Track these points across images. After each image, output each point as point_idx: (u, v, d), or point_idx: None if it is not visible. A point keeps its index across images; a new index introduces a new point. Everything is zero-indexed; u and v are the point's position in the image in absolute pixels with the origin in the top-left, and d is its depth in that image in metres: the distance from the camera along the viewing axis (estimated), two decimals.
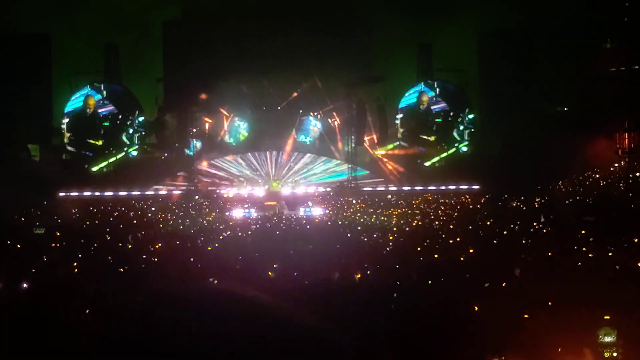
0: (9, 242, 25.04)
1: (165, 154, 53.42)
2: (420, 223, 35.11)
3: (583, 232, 26.39)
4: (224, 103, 52.47)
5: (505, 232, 28.49)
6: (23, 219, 34.86)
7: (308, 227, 34.95)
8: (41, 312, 15.18)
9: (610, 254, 20.98)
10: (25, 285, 15.98)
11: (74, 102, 51.01)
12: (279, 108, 53.93)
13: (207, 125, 56.02)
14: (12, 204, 33.89)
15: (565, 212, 31.86)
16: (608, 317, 11.80)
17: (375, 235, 28.33)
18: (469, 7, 51.09)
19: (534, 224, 30.48)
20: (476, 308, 14.03)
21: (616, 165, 45.22)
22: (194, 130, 53.17)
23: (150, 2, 51.86)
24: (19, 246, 23.78)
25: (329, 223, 37.10)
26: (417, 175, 51.43)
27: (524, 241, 25.20)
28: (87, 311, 14.95)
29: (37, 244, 25.49)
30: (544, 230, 27.84)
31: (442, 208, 41.84)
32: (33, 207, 38.13)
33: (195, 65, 51.81)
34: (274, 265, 18.70)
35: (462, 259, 20.62)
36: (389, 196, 49.04)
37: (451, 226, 32.37)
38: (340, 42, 51.66)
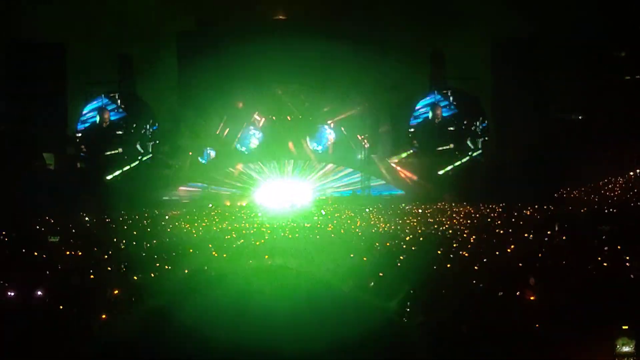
0: (24, 249, 25.21)
1: (179, 163, 53.68)
2: (431, 231, 34.96)
3: (598, 241, 26.19)
4: (238, 112, 52.54)
5: (518, 241, 28.33)
6: (38, 227, 35.01)
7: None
8: (56, 318, 15.28)
9: (627, 263, 20.83)
10: (39, 293, 16.06)
11: (89, 111, 51.13)
12: (288, 118, 54.04)
13: (221, 134, 56.28)
14: (27, 212, 34.08)
15: (580, 220, 31.62)
16: (626, 327, 11.55)
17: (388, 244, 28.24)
18: (482, 16, 51.01)
19: (548, 232, 30.26)
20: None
21: (631, 173, 44.88)
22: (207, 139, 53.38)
23: (165, 12, 52.17)
24: (35, 254, 23.91)
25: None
26: (430, 184, 51.23)
27: (538, 249, 25.01)
28: (103, 317, 15.05)
29: (52, 251, 25.59)
30: (558, 239, 27.62)
31: (456, 216, 41.64)
32: (48, 215, 38.31)
33: (209, 75, 52.03)
34: None
35: (475, 267, 20.54)
36: (403, 205, 48.85)
37: (465, 234, 32.19)
38: (353, 51, 51.69)
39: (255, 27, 54.02)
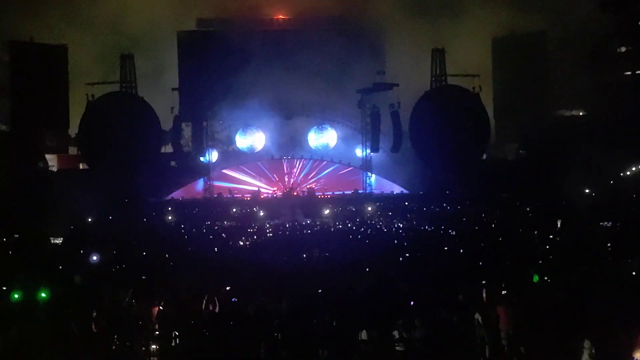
0: (26, 252, 25.25)
1: (178, 162, 53.90)
2: (432, 229, 34.94)
3: (601, 239, 26.09)
4: (240, 112, 52.60)
5: (520, 238, 28.29)
6: (41, 228, 35.02)
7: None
8: (58, 320, 15.34)
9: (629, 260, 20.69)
10: (43, 294, 16.09)
11: (90, 112, 51.09)
12: (290, 118, 54.28)
13: (223, 134, 56.56)
14: (30, 214, 34.10)
15: (582, 218, 31.55)
16: None
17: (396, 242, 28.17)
18: (483, 12, 51.05)
19: (550, 230, 30.21)
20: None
21: (633, 169, 44.85)
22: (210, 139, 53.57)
23: (166, 12, 52.25)
24: (37, 256, 23.95)
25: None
26: (433, 181, 51.29)
27: (540, 247, 24.98)
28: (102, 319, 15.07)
29: (55, 253, 25.63)
30: (558, 238, 27.53)
31: (456, 214, 41.64)
32: (50, 216, 38.33)
33: (211, 75, 52.12)
34: None
35: (479, 266, 20.51)
36: (406, 203, 48.86)
37: (469, 231, 32.16)
38: (354, 49, 51.73)
39: (256, 27, 54.14)
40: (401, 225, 37.91)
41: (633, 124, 43.99)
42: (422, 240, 28.89)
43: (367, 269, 19.08)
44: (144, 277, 18.39)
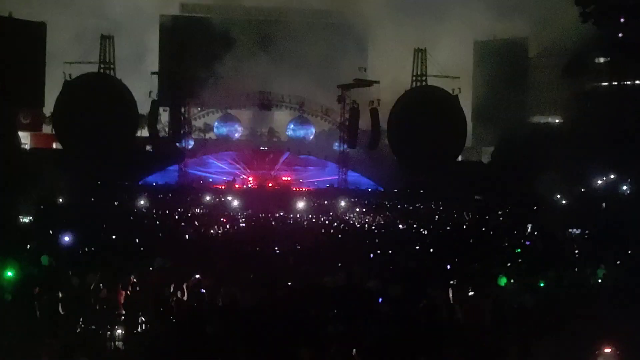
0: None
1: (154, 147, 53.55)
2: (404, 227, 35.08)
3: (569, 245, 26.37)
4: (219, 99, 52.40)
5: (490, 240, 28.48)
6: (10, 206, 34.58)
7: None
8: (24, 300, 15.18)
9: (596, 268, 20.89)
10: (9, 273, 15.89)
11: (67, 92, 50.50)
12: (269, 109, 54.06)
13: (200, 121, 56.28)
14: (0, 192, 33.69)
15: (552, 223, 31.88)
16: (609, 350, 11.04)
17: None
18: (466, 14, 51.38)
19: (520, 234, 30.48)
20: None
21: (604, 179, 45.42)
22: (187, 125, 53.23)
23: None
24: (4, 234, 23.64)
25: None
26: (407, 180, 51.52)
27: (509, 250, 25.18)
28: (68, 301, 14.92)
29: (23, 232, 25.34)
30: (528, 242, 27.77)
31: (429, 213, 41.82)
32: (21, 194, 37.87)
33: (192, 61, 51.83)
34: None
35: (448, 267, 20.60)
36: (380, 200, 48.99)
37: (440, 231, 32.32)
38: (338, 43, 51.79)
39: (239, 15, 53.95)
40: (374, 222, 38.01)
41: (608, 134, 44.55)
42: (393, 238, 28.97)
43: (338, 264, 19.08)
44: (112, 261, 18.24)
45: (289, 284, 16.46)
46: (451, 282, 16.87)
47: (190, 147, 54.22)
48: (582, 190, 43.32)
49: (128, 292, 15.64)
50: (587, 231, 30.11)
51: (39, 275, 16.62)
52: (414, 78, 54.02)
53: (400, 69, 53.10)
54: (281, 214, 40.00)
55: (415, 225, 34.82)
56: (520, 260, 22.04)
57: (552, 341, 11.31)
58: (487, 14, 52.20)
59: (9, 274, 15.82)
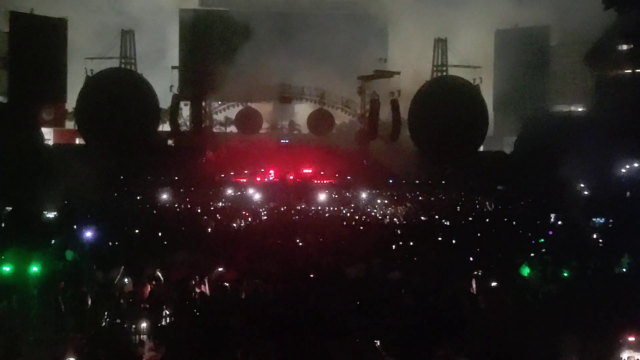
0: (19, 225, 25.20)
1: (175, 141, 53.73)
2: (426, 218, 34.93)
3: (593, 235, 26.12)
4: (239, 93, 52.47)
5: (513, 231, 28.29)
6: (34, 202, 34.93)
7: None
8: (49, 295, 15.36)
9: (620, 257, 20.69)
10: (35, 268, 16.09)
11: (88, 87, 50.88)
12: (289, 102, 53.94)
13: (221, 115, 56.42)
14: (24, 188, 34.02)
15: (575, 213, 31.57)
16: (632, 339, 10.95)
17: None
18: (486, 3, 50.92)
19: (544, 224, 30.23)
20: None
21: (628, 167, 44.88)
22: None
23: None
24: (29, 230, 23.90)
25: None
26: (429, 171, 51.29)
27: (532, 241, 25.01)
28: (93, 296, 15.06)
29: (47, 227, 25.58)
30: (550, 232, 27.53)
31: (451, 205, 41.59)
32: (44, 190, 38.19)
33: (212, 54, 51.94)
34: None
35: (470, 258, 20.51)
36: (402, 191, 48.79)
37: (462, 222, 32.14)
38: (356, 36, 51.58)
39: (259, 8, 53.90)
40: (396, 214, 37.90)
41: (631, 122, 44.00)
42: (416, 229, 28.89)
43: (360, 256, 19.09)
44: (136, 256, 18.38)
45: (311, 276, 16.50)
46: (474, 272, 16.80)
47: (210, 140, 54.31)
48: (605, 179, 42.86)
49: (152, 286, 15.75)
50: (611, 220, 29.81)
51: (64, 270, 16.81)
52: (435, 68, 53.72)
53: (421, 59, 52.83)
54: (303, 206, 39.99)
55: (437, 217, 34.67)
56: (543, 250, 21.91)
57: (577, 331, 11.23)
58: (508, 3, 51.69)
59: (35, 269, 16.03)
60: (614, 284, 16.41)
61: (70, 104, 53.39)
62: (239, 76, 51.02)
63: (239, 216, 33.14)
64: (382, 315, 13.25)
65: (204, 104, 53.11)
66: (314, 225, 28.49)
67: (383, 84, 52.31)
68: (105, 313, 14.70)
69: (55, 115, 54.28)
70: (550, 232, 26.68)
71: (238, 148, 52.34)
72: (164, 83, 50.93)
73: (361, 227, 29.26)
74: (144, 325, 14.21)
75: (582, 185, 40.80)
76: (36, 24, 51.27)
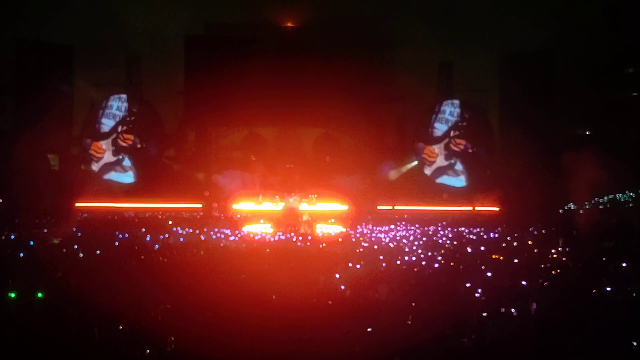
0: (23, 252, 25.04)
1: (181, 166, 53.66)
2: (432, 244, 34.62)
3: (602, 258, 25.77)
4: (245, 118, 52.46)
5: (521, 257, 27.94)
6: (40, 228, 34.87)
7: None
8: (53, 325, 15.09)
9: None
10: (40, 295, 15.88)
11: (94, 113, 50.99)
12: (294, 128, 54.01)
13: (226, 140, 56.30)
14: (30, 213, 33.97)
15: (585, 237, 31.30)
16: None
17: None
18: (491, 27, 50.92)
19: (552, 249, 29.88)
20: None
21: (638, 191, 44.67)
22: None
23: (173, 15, 52.19)
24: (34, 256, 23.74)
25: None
26: (436, 196, 51.14)
27: (542, 266, 24.62)
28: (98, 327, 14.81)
29: (53, 254, 25.42)
30: (563, 258, 27.20)
31: (458, 230, 41.36)
32: (50, 216, 38.20)
33: (217, 80, 51.97)
34: None
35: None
36: (405, 216, 48.63)
37: (468, 249, 31.80)
38: (361, 59, 51.62)
39: (263, 33, 54.02)
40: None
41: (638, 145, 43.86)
42: None
43: None
44: (142, 281, 18.17)
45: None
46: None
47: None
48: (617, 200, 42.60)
49: (158, 312, 15.51)
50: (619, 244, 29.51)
51: (69, 298, 16.55)
52: (440, 92, 53.68)
53: (426, 83, 52.82)
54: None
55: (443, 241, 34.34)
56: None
57: None
58: (513, 27, 51.71)
59: (40, 295, 15.81)
60: None
61: (76, 129, 53.43)
62: (244, 101, 51.07)
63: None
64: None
65: (209, 130, 53.10)
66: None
67: (388, 108, 52.28)
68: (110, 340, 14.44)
69: (60, 141, 54.22)
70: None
71: None
72: (169, 109, 51.05)
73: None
74: (148, 351, 13.96)
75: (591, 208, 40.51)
76: (42, 50, 51.37)
